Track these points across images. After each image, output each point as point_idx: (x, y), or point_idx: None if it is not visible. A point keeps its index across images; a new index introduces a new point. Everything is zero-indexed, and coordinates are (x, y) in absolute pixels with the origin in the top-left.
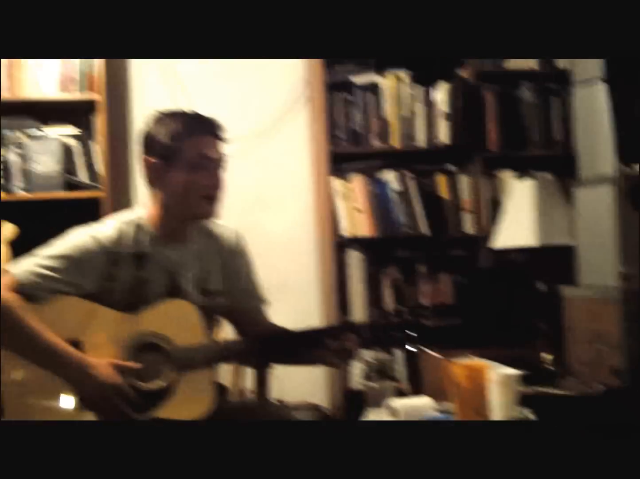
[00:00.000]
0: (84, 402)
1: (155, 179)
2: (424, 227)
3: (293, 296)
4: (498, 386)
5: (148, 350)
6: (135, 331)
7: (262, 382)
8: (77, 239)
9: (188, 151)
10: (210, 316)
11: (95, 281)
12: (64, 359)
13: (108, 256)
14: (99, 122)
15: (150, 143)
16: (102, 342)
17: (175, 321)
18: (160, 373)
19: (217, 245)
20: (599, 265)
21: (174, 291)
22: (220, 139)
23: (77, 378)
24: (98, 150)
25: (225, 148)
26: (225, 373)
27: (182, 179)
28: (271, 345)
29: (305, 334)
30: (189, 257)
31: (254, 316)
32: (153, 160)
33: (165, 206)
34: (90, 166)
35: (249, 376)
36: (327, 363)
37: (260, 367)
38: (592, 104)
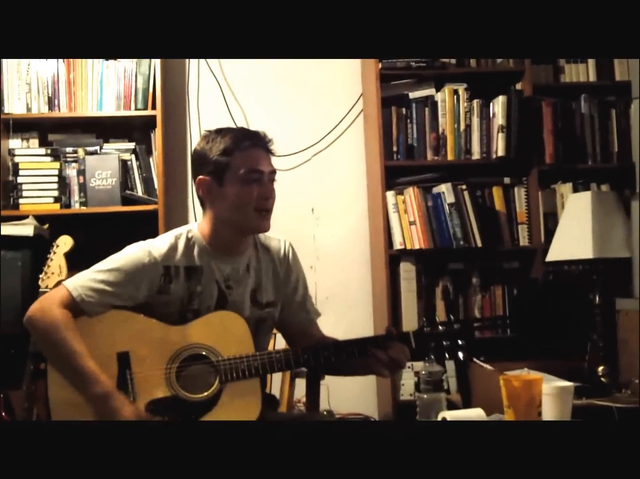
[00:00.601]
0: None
1: (208, 196)
2: (477, 240)
3: (346, 308)
4: (551, 398)
5: (195, 361)
6: (183, 342)
7: (312, 392)
8: (131, 253)
9: (238, 165)
10: (262, 327)
11: (149, 294)
12: (91, 386)
13: (161, 269)
14: (157, 138)
15: (200, 161)
16: (150, 355)
17: (223, 332)
18: (207, 384)
19: (269, 257)
20: None
21: (226, 304)
22: (270, 151)
23: (98, 406)
24: (155, 165)
25: (276, 161)
26: (275, 383)
27: (233, 194)
28: (319, 355)
29: (352, 344)
30: (242, 269)
31: (305, 328)
32: (205, 178)
33: (218, 220)
34: (147, 181)
35: (299, 387)
36: (376, 372)
37: (311, 377)
38: None
